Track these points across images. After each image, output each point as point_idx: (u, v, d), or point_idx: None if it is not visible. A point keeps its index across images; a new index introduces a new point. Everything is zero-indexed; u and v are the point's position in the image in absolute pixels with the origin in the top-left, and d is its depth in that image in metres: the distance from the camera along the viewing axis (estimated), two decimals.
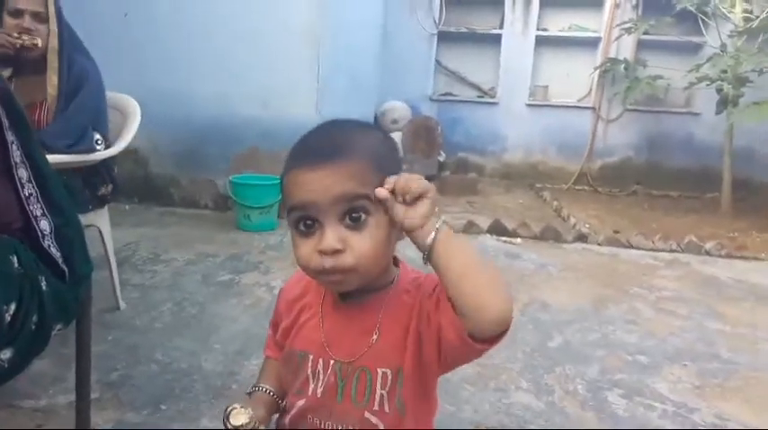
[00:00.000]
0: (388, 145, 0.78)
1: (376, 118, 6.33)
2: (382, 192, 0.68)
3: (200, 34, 3.93)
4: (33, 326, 1.05)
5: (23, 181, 1.10)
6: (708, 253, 3.73)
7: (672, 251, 3.76)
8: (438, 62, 6.91)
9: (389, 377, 0.75)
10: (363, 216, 0.69)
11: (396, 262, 0.82)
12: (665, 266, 3.44)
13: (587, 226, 4.30)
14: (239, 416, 0.75)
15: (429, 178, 5.54)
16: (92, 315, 1.48)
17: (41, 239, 1.13)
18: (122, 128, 2.26)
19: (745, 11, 5.45)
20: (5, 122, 1.05)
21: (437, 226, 0.68)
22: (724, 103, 5.30)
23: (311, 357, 0.79)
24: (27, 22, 1.91)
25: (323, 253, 0.69)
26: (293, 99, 3.94)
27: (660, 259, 3.59)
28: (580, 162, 6.61)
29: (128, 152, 3.96)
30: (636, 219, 4.84)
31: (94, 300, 2.09)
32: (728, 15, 5.45)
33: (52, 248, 1.15)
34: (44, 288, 1.08)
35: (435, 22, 6.71)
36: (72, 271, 1.18)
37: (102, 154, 2.05)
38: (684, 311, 2.70)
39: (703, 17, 5.64)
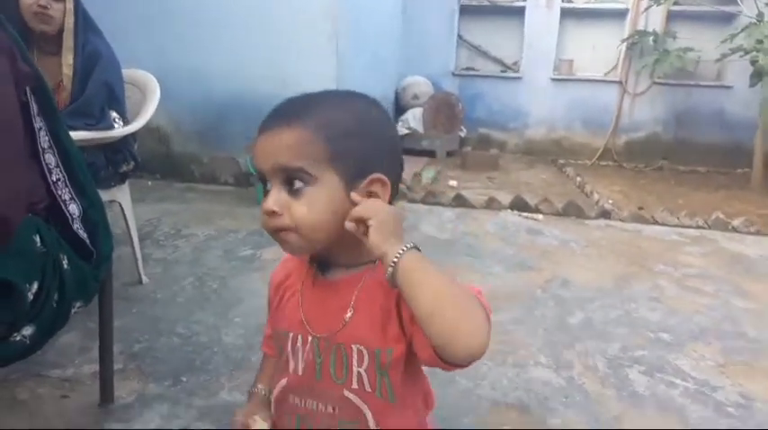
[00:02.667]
0: (366, 125, 0.75)
1: (397, 94, 6.26)
2: (348, 225, 0.69)
3: (219, 11, 3.91)
4: (54, 304, 1.07)
5: (51, 166, 1.12)
6: (735, 229, 3.63)
7: (698, 227, 3.67)
8: (460, 36, 6.78)
9: (365, 355, 0.74)
10: (301, 185, 0.70)
11: None
12: (690, 243, 3.36)
13: (611, 202, 4.22)
14: (260, 423, 0.78)
15: (450, 153, 5.50)
16: (115, 289, 1.50)
17: (71, 222, 1.15)
18: (142, 105, 2.27)
19: None
20: (34, 108, 1.05)
21: (397, 255, 0.66)
22: (758, 75, 5.10)
23: (291, 334, 0.79)
24: (44, 0, 1.91)
25: (264, 213, 0.72)
26: (312, 75, 3.91)
27: (686, 236, 3.51)
28: (605, 137, 6.47)
29: (150, 129, 4.05)
30: (662, 195, 4.73)
31: (118, 274, 2.14)
32: None
33: (80, 231, 1.17)
34: (65, 266, 1.10)
35: None
36: (97, 250, 1.19)
37: (121, 131, 2.06)
38: (710, 289, 2.64)
39: None
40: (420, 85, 6.26)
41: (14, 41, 0.99)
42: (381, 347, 0.73)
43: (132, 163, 2.21)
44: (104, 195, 1.85)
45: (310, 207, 0.70)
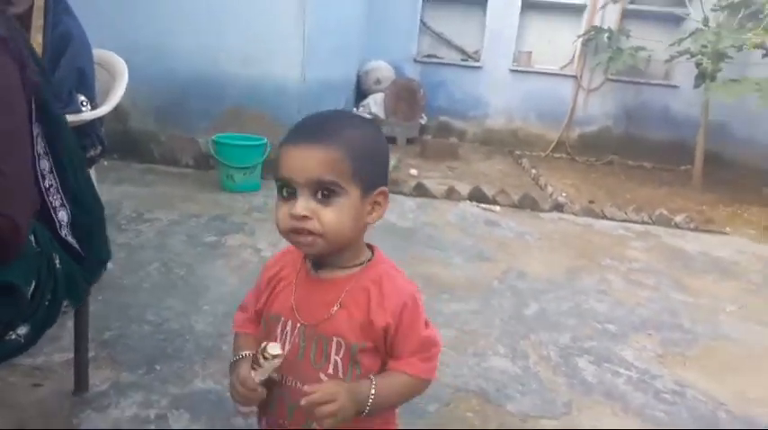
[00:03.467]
0: (376, 146, 0.88)
1: (359, 78, 6.27)
2: (304, 403, 0.81)
3: None
4: (47, 303, 1.08)
5: (45, 172, 1.12)
6: (677, 226, 3.88)
7: (643, 223, 3.91)
8: (423, 23, 6.82)
9: (343, 346, 0.87)
10: (332, 195, 0.82)
11: (372, 249, 0.94)
12: (636, 238, 3.58)
13: (564, 195, 4.42)
14: (275, 348, 0.85)
15: (410, 140, 5.56)
16: None
17: (59, 229, 1.16)
18: (110, 87, 2.23)
19: None
20: (34, 115, 1.05)
21: (366, 411, 0.85)
22: (702, 78, 5.39)
23: (282, 319, 0.91)
24: None
25: (293, 217, 0.81)
26: (278, 58, 3.89)
27: (632, 231, 3.73)
28: (559, 130, 6.70)
29: None
30: (611, 189, 4.98)
31: None
32: None
33: (69, 237, 1.18)
34: (57, 265, 1.11)
35: None
36: (89, 256, 1.21)
37: (90, 114, 2.02)
38: (652, 282, 2.84)
39: None
40: (382, 69, 6.28)
41: (26, 50, 1.00)
42: (357, 342, 0.87)
43: (99, 147, 2.17)
44: None
45: (339, 214, 0.82)
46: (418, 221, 3.49)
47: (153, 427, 1.44)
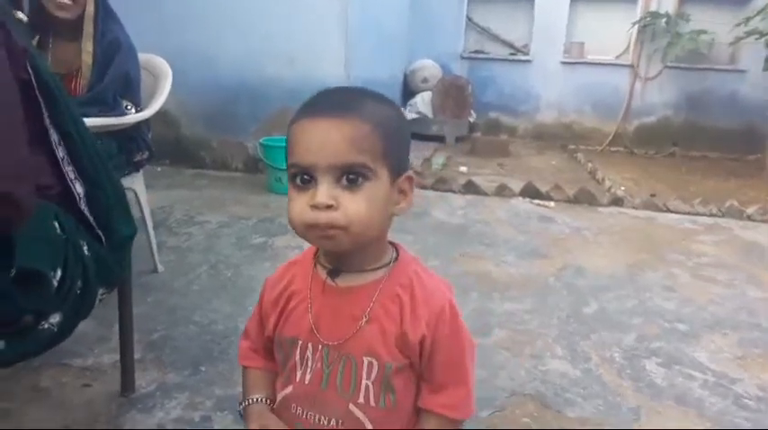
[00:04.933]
0: (402, 122, 0.77)
1: (405, 77, 6.21)
2: None
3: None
4: (78, 291, 1.06)
5: (56, 143, 1.10)
6: (750, 218, 3.60)
7: (712, 215, 3.65)
8: (469, 19, 6.70)
9: (375, 367, 0.74)
10: (360, 179, 0.69)
11: (395, 247, 0.80)
12: (704, 231, 3.34)
13: (623, 189, 4.20)
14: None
15: (459, 138, 5.48)
16: (131, 277, 1.50)
17: (78, 202, 1.13)
18: (154, 90, 2.25)
19: None
20: (35, 84, 1.03)
21: None
22: None
23: (300, 342, 0.77)
24: None
25: (315, 207, 0.68)
26: (321, 58, 3.87)
27: (699, 223, 3.49)
28: (616, 122, 6.42)
29: (158, 114, 3.99)
30: (673, 182, 4.70)
31: (133, 262, 2.14)
32: None
33: (86, 212, 1.15)
34: (86, 253, 1.09)
35: None
36: (111, 235, 1.18)
37: (133, 117, 2.04)
38: (724, 278, 2.63)
39: None
40: (429, 68, 6.19)
41: (6, 16, 0.97)
42: (392, 361, 0.73)
43: (146, 152, 2.20)
44: None
45: (369, 203, 0.69)
46: (469, 219, 3.38)
47: (197, 429, 1.41)
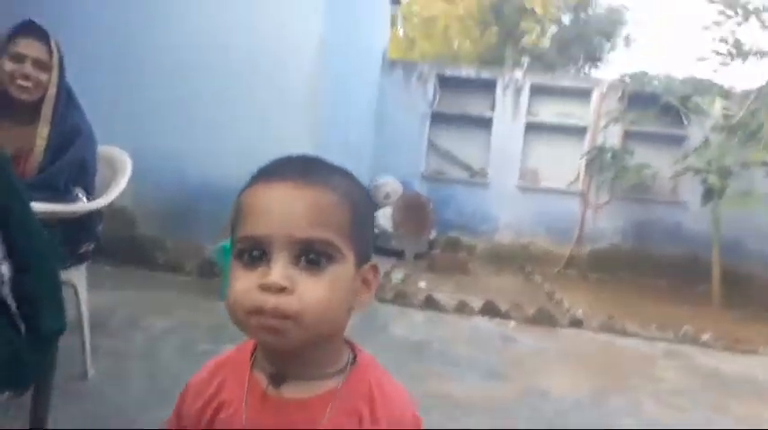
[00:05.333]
0: (369, 202, 0.70)
1: (368, 192, 6.33)
2: None
3: (197, 94, 3.92)
4: None
5: None
6: (705, 345, 3.62)
7: (669, 341, 3.65)
8: (431, 141, 7.04)
9: None
10: (324, 261, 0.58)
11: (351, 347, 0.67)
12: (663, 356, 3.32)
13: (580, 311, 4.20)
14: None
15: (419, 255, 5.48)
16: (56, 382, 1.32)
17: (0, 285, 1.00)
18: (111, 182, 2.18)
19: (724, 108, 5.70)
20: None
21: None
22: (710, 195, 5.39)
23: None
24: (28, 68, 1.86)
25: (265, 289, 0.56)
26: None
27: (658, 349, 3.47)
28: (570, 246, 6.62)
29: (114, 210, 3.88)
30: (628, 306, 4.76)
31: (61, 365, 1.92)
32: (709, 112, 5.68)
33: (8, 298, 1.02)
34: None
35: (429, 102, 6.90)
36: (34, 327, 1.04)
37: (85, 205, 1.95)
38: (688, 405, 2.56)
39: (685, 111, 5.87)
40: (391, 184, 6.37)
41: None
42: None
43: (93, 244, 2.07)
44: None
45: (331, 289, 0.58)
46: (429, 335, 3.27)
47: None
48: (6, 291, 1.01)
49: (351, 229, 0.60)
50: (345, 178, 0.64)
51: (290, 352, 0.60)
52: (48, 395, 1.27)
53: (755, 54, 5.09)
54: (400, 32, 13.70)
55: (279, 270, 0.56)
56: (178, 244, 4.00)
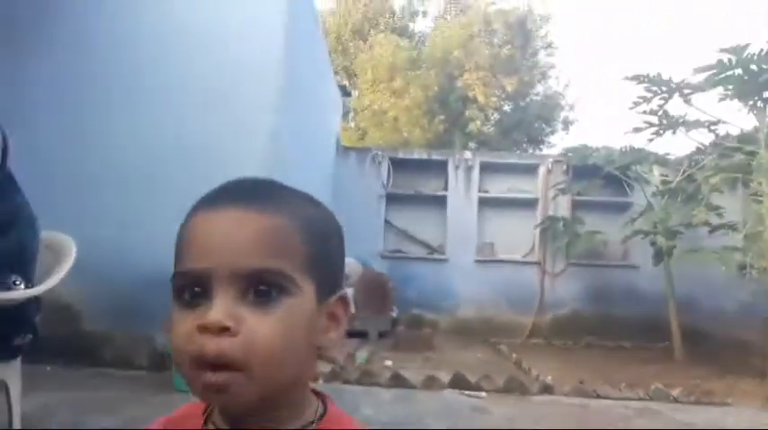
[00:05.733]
0: (332, 225, 0.61)
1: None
2: None
3: (145, 180, 3.85)
4: None
5: None
6: (676, 400, 3.59)
7: (640, 399, 3.60)
8: (387, 221, 7.10)
9: None
10: (274, 293, 0.50)
11: (320, 397, 0.60)
12: (637, 415, 3.26)
13: (550, 378, 4.12)
14: None
15: (382, 334, 5.34)
16: None
17: None
18: (52, 269, 2.06)
19: (662, 174, 6.04)
20: None
21: None
22: (660, 255, 5.58)
23: None
24: None
25: (204, 329, 0.48)
26: None
27: (631, 408, 3.41)
28: (532, 315, 6.62)
29: (59, 307, 3.67)
30: (596, 369, 4.71)
31: None
32: (649, 179, 6.00)
33: None
34: None
35: (384, 184, 7.04)
36: None
37: (20, 293, 1.83)
38: None
39: (627, 180, 6.18)
40: (350, 265, 6.28)
41: None
42: None
43: (29, 336, 1.92)
44: None
45: (285, 327, 0.50)
46: (398, 414, 3.11)
47: None
48: None
49: (307, 258, 0.52)
50: (303, 201, 0.59)
51: (245, 410, 0.52)
52: None
53: (683, 125, 5.48)
54: (351, 125, 14.23)
55: (220, 307, 0.48)
56: (127, 336, 3.77)
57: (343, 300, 0.58)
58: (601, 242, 6.33)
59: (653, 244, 5.67)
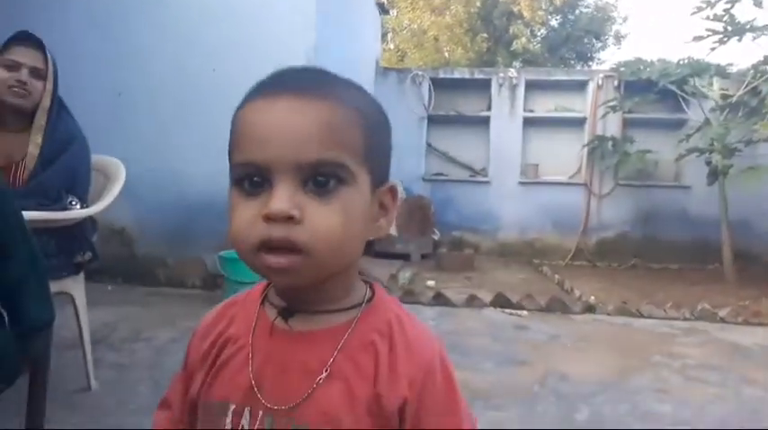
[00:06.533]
0: (385, 118, 0.61)
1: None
2: None
3: (192, 111, 3.89)
4: None
5: None
6: (723, 320, 3.53)
7: (686, 319, 3.56)
8: (429, 144, 6.99)
9: None
10: (333, 183, 0.51)
11: (369, 284, 0.62)
12: (682, 334, 3.23)
13: (593, 298, 4.12)
14: None
15: (425, 256, 5.38)
16: (59, 396, 1.26)
17: None
18: (104, 190, 2.13)
19: (722, 88, 5.63)
20: None
21: None
22: (714, 174, 5.32)
23: (233, 407, 0.56)
24: (24, 75, 1.82)
25: (270, 218, 0.49)
26: None
27: (676, 328, 3.38)
28: (576, 238, 6.53)
29: (114, 231, 3.85)
30: (641, 290, 4.66)
31: (64, 380, 1.86)
32: (707, 93, 5.61)
33: None
34: None
35: (425, 106, 6.86)
36: (17, 316, 0.97)
37: (77, 212, 1.89)
38: (715, 379, 2.47)
39: (683, 95, 5.81)
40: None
41: None
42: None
43: (89, 253, 2.01)
44: (54, 286, 1.64)
45: (345, 216, 0.51)
46: (440, 330, 3.18)
47: None
48: None
49: (365, 149, 0.53)
50: (358, 91, 0.58)
51: (301, 288, 0.55)
52: (43, 393, 1.20)
53: (751, 30, 5.03)
54: (390, 46, 13.77)
55: (283, 195, 0.50)
56: (179, 260, 3.94)
57: (392, 190, 0.60)
58: (652, 161, 6.06)
59: (708, 163, 5.39)
